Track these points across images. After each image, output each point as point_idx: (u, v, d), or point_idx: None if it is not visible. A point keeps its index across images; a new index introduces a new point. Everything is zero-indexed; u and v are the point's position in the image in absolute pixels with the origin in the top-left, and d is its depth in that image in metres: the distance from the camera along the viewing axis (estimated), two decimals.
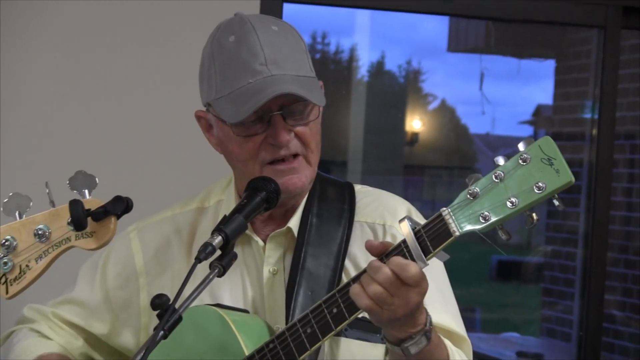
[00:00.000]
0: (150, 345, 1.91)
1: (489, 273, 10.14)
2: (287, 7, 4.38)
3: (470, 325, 8.68)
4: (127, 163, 4.19)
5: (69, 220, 2.00)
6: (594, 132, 4.83)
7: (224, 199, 2.45)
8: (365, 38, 7.85)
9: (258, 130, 2.26)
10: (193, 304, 2.03)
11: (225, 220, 2.13)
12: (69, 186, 2.00)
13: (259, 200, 2.21)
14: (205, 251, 2.06)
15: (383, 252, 2.04)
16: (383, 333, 2.09)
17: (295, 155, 2.28)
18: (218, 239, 2.08)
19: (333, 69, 8.38)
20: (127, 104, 4.23)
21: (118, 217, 2.02)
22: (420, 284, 2.00)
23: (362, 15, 7.10)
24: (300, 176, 2.29)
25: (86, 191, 2.00)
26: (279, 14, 4.30)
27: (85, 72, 4.20)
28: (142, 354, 1.91)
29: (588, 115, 5.26)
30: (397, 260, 1.98)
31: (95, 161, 4.11)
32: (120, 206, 2.01)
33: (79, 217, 1.98)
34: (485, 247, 2.05)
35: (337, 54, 8.50)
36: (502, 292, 10.05)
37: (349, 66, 8.25)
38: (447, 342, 2.21)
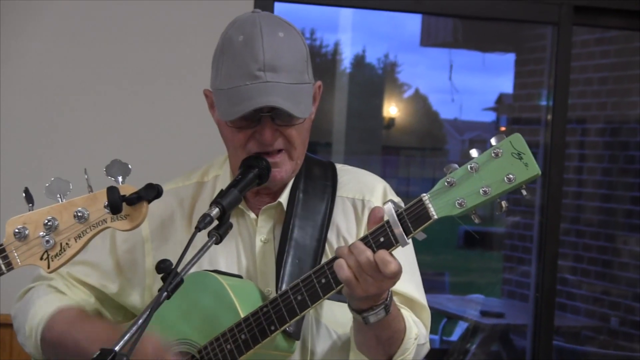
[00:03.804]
0: (155, 305, 1.90)
1: (456, 241, 10.17)
2: (278, 5, 4.36)
3: (440, 287, 8.71)
4: (133, 143, 4.16)
5: (106, 204, 1.98)
6: (549, 117, 4.83)
7: (221, 174, 2.43)
8: (348, 34, 7.84)
9: (249, 125, 2.23)
10: (193, 270, 2.02)
11: (222, 193, 2.12)
12: (106, 173, 1.98)
13: (252, 176, 2.20)
14: (204, 221, 2.04)
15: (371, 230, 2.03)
16: (347, 301, 2.09)
17: (279, 150, 2.26)
18: (215, 211, 2.07)
19: (319, 61, 8.36)
20: (129, 92, 4.19)
21: (149, 202, 2.00)
22: (396, 276, 2.00)
23: (346, 14, 7.09)
24: (281, 170, 2.27)
25: (120, 178, 1.98)
26: (270, 11, 4.25)
27: (89, 64, 4.15)
28: (147, 312, 1.89)
29: (544, 103, 5.25)
30: (383, 255, 1.98)
31: (102, 147, 4.10)
32: (152, 192, 1.99)
33: (115, 202, 1.96)
34: (470, 221, 2.05)
35: (323, 48, 8.48)
36: (468, 258, 10.09)
37: (333, 59, 8.24)
38: (406, 314, 2.20)
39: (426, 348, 2.31)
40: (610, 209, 7.46)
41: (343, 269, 2.00)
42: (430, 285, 8.51)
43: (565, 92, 4.77)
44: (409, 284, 2.30)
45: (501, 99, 8.88)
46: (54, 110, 4.12)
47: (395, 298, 2.20)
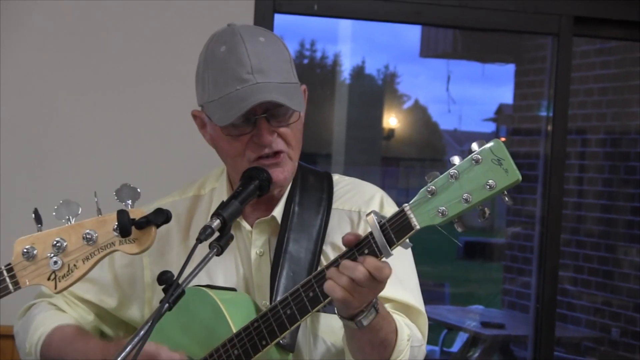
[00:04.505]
0: (157, 316, 1.90)
1: (456, 252, 10.17)
2: (277, 17, 4.36)
3: (440, 298, 8.70)
4: (131, 156, 4.16)
5: (115, 227, 1.99)
6: (549, 128, 4.83)
7: (217, 187, 2.44)
8: (348, 45, 7.85)
9: (245, 131, 2.24)
10: (192, 282, 2.02)
11: (223, 205, 2.12)
12: (116, 197, 1.99)
13: (253, 188, 2.20)
14: (205, 233, 2.04)
15: (355, 243, 2.03)
16: (337, 311, 2.08)
17: (278, 152, 2.27)
18: (217, 222, 2.07)
19: (319, 72, 8.39)
20: (128, 104, 4.19)
21: (158, 226, 2.00)
22: (387, 279, 2.01)
23: (345, 25, 7.10)
24: (283, 170, 2.28)
25: (130, 202, 1.99)
26: (270, 23, 4.28)
27: (85, 72, 4.15)
28: (149, 323, 1.90)
29: (544, 113, 5.26)
30: (374, 263, 1.98)
31: (102, 158, 4.09)
32: (160, 217, 1.99)
33: (125, 225, 1.97)
34: (454, 229, 2.04)
35: (323, 59, 8.50)
36: (468, 269, 10.08)
37: (333, 70, 8.26)
38: (397, 318, 2.19)
39: (422, 352, 2.30)
40: (610, 219, 7.46)
41: (336, 290, 2.00)
42: (430, 296, 8.50)
43: (565, 103, 4.77)
44: (405, 291, 2.30)
45: (501, 109, 8.90)
46: (53, 109, 4.12)
47: (389, 305, 2.22)
